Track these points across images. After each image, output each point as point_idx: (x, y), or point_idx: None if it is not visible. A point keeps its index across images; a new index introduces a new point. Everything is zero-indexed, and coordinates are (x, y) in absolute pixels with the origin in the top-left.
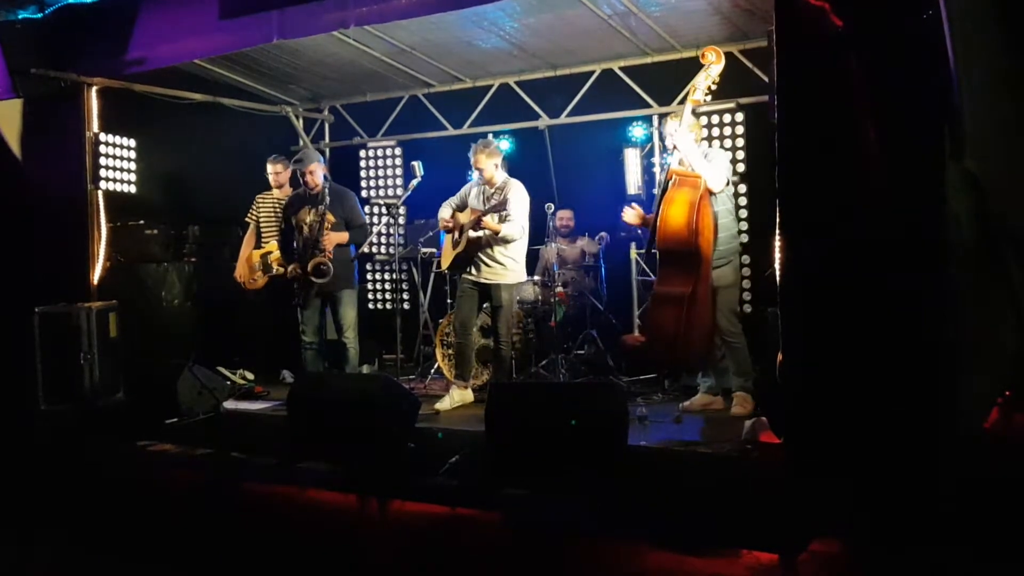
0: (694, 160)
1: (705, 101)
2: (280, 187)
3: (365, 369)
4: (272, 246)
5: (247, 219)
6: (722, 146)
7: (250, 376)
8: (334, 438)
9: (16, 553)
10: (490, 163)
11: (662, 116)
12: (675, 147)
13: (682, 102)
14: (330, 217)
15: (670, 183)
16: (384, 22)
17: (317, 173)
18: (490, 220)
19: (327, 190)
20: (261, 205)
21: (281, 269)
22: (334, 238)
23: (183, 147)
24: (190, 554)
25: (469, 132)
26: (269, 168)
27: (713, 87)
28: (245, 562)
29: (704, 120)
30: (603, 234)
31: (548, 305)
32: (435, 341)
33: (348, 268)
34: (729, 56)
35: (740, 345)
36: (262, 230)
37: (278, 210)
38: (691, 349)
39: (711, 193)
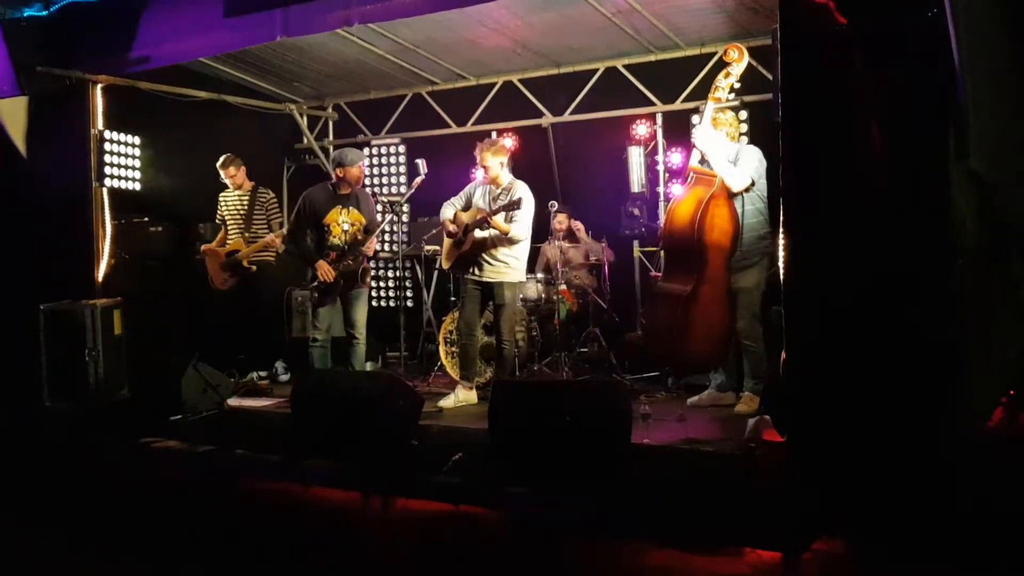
0: (713, 159)
1: (728, 100)
2: (239, 187)
3: (369, 366)
4: (237, 243)
5: (216, 219)
6: None
7: (263, 374)
8: (338, 435)
9: (19, 549)
10: (496, 162)
11: (666, 115)
12: (694, 144)
13: (686, 100)
14: (362, 219)
15: (687, 180)
16: (388, 20)
17: (363, 171)
18: (499, 220)
19: (356, 191)
20: (225, 204)
21: (254, 267)
22: (373, 244)
23: (187, 145)
24: (194, 551)
25: (472, 130)
26: (223, 173)
27: (736, 85)
28: (248, 559)
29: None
30: (605, 247)
31: (552, 303)
32: (438, 339)
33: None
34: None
35: (758, 349)
36: (228, 228)
37: (241, 208)
38: (690, 349)
39: (731, 194)
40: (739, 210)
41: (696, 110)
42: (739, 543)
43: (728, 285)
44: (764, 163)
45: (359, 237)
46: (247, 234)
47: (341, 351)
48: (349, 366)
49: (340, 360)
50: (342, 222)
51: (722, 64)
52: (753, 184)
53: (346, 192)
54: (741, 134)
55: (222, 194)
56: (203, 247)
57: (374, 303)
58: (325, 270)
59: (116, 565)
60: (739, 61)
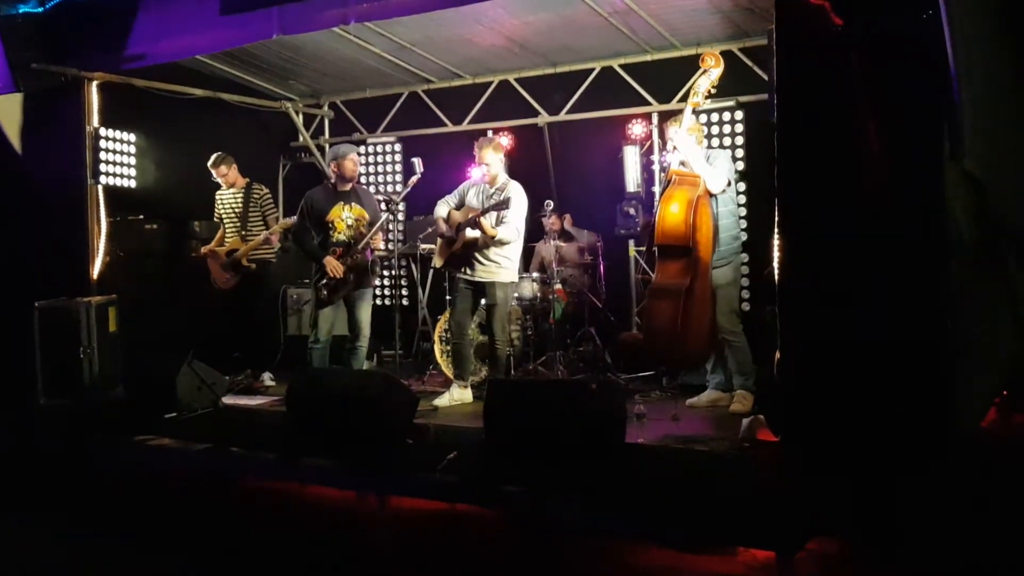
0: (694, 162)
1: (704, 104)
2: (232, 185)
3: (365, 365)
4: (235, 242)
5: (215, 218)
6: (721, 145)
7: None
8: (333, 434)
9: (15, 548)
10: (496, 158)
11: (662, 114)
12: (675, 148)
13: (681, 100)
14: (365, 214)
15: (670, 182)
16: (385, 18)
17: (357, 163)
18: (486, 223)
19: (356, 187)
20: (221, 203)
21: (253, 266)
22: (379, 237)
23: (183, 142)
24: (189, 549)
25: (468, 129)
26: (214, 172)
27: (712, 90)
28: (244, 557)
29: (704, 119)
30: (598, 242)
31: (547, 302)
32: (434, 338)
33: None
34: (729, 54)
35: (740, 344)
36: (226, 227)
37: (236, 206)
38: (688, 345)
39: (711, 195)
40: (714, 211)
41: (693, 111)
42: (734, 542)
43: (711, 283)
44: (734, 166)
45: (363, 231)
46: (244, 232)
47: (340, 351)
48: (348, 367)
49: (339, 361)
50: (345, 218)
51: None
52: (729, 185)
53: (346, 189)
54: (711, 137)
55: (218, 192)
56: (203, 248)
57: None
58: (333, 265)
59: (112, 563)
60: (716, 67)
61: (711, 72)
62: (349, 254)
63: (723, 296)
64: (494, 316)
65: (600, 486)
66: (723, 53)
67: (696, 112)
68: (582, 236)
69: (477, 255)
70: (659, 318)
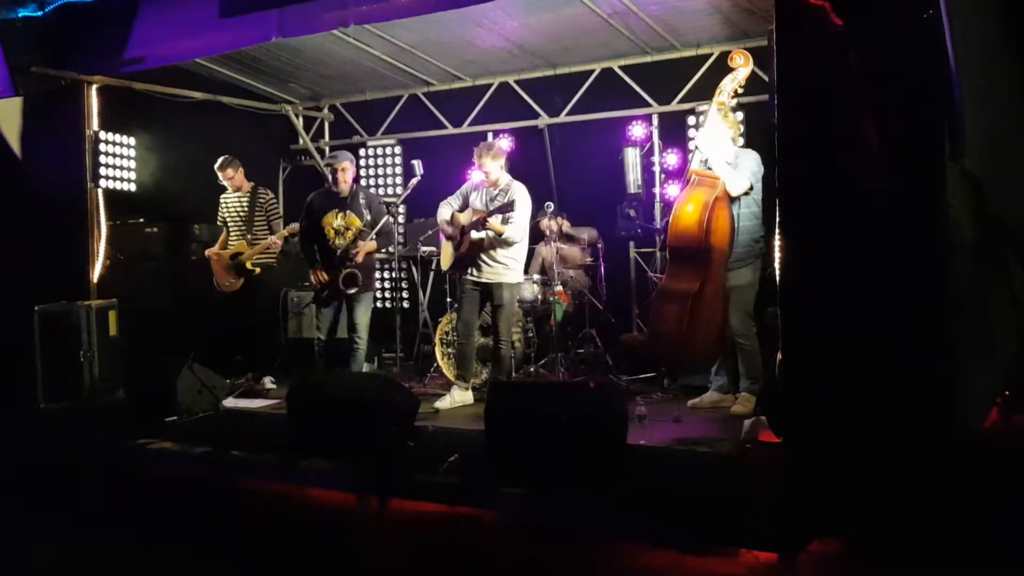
0: (715, 163)
1: (729, 104)
2: (238, 189)
3: (365, 368)
4: (240, 246)
5: (218, 222)
6: None
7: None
8: (334, 436)
9: (16, 551)
10: (495, 165)
11: (662, 115)
12: (697, 147)
13: (682, 101)
14: (357, 223)
15: (689, 182)
16: (384, 21)
17: (348, 172)
18: (495, 222)
19: (357, 192)
20: (225, 206)
21: (258, 269)
22: (364, 249)
23: (183, 145)
24: (189, 551)
25: (469, 131)
26: (220, 175)
27: (739, 90)
28: (244, 560)
29: (703, 120)
30: (599, 241)
31: (548, 304)
32: (434, 340)
33: (370, 273)
34: (728, 55)
35: (752, 348)
36: (230, 230)
37: (241, 210)
38: (693, 348)
39: (731, 197)
40: (735, 213)
41: (692, 111)
42: (735, 544)
43: (724, 285)
44: (762, 168)
45: (353, 240)
46: (249, 236)
47: (342, 353)
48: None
49: (340, 362)
50: (337, 225)
51: (723, 68)
52: (751, 188)
53: (344, 195)
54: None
55: (223, 196)
56: (207, 251)
57: None
58: (317, 275)
59: (112, 564)
60: (744, 66)
61: (739, 71)
62: (335, 263)
63: (739, 298)
64: (500, 317)
65: (602, 488)
66: (723, 54)
67: (697, 113)
68: (581, 234)
69: (483, 256)
70: (664, 322)
